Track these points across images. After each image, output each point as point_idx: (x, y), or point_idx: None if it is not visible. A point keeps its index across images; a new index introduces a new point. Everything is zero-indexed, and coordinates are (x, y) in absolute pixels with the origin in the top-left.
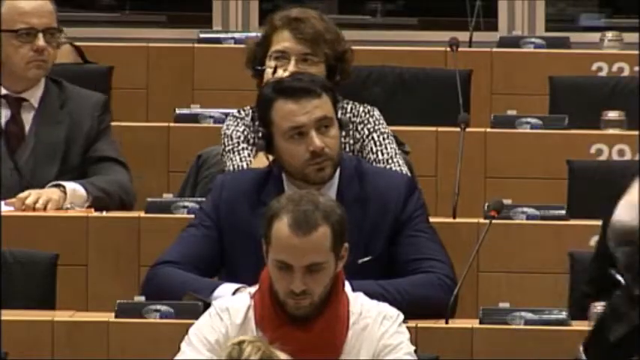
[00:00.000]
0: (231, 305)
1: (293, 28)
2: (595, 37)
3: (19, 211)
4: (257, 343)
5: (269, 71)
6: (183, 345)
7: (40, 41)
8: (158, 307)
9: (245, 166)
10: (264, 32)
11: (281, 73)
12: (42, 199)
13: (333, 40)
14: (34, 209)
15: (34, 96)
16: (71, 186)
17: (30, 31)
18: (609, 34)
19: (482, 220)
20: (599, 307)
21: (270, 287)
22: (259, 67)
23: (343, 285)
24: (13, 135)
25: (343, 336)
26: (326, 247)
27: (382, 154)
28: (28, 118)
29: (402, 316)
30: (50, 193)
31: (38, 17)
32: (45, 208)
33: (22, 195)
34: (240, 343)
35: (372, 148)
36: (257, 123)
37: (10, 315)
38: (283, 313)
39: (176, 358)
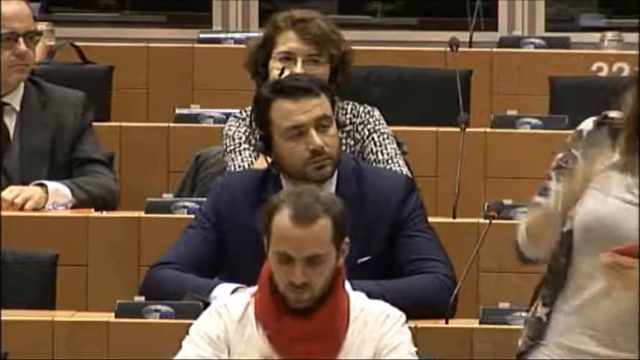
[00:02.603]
0: (230, 302)
1: (299, 29)
2: (595, 37)
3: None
4: None
5: (276, 72)
6: (184, 343)
7: (22, 45)
8: (158, 307)
9: (247, 166)
10: (266, 33)
11: (288, 74)
12: (22, 195)
13: (337, 41)
14: (12, 204)
15: (15, 99)
16: (54, 186)
17: (11, 35)
18: (609, 34)
19: (482, 220)
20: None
21: (269, 280)
22: (262, 69)
23: (343, 282)
24: None
25: (343, 327)
26: (327, 238)
27: (382, 155)
28: (11, 122)
29: (404, 317)
30: (31, 191)
31: (19, 21)
32: (23, 206)
33: (3, 192)
34: None
35: (372, 149)
36: (253, 124)
37: (10, 315)
38: (283, 306)
39: (178, 355)
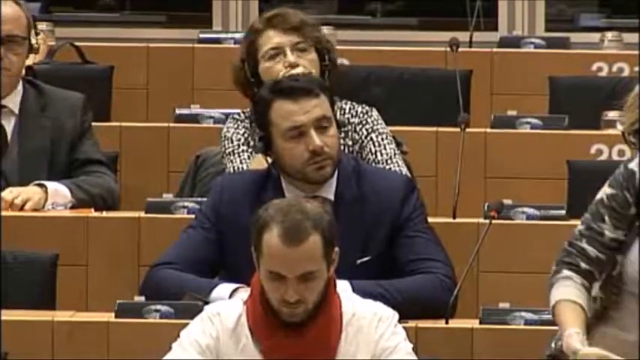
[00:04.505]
0: (223, 310)
1: (275, 24)
2: (595, 37)
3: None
4: None
5: (276, 69)
6: (174, 345)
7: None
8: (158, 307)
9: (245, 167)
10: (247, 43)
11: (280, 66)
12: (21, 196)
13: (316, 25)
14: (11, 205)
15: (13, 101)
16: (53, 186)
17: None
18: (609, 34)
19: (482, 220)
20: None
21: (261, 293)
22: (253, 79)
23: (335, 287)
24: None
25: (338, 337)
26: (318, 255)
27: (381, 155)
28: (9, 124)
29: (397, 316)
30: (31, 193)
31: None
32: (23, 207)
33: (3, 193)
34: None
35: (370, 149)
36: (253, 125)
37: (10, 315)
38: (276, 320)
39: (166, 357)
